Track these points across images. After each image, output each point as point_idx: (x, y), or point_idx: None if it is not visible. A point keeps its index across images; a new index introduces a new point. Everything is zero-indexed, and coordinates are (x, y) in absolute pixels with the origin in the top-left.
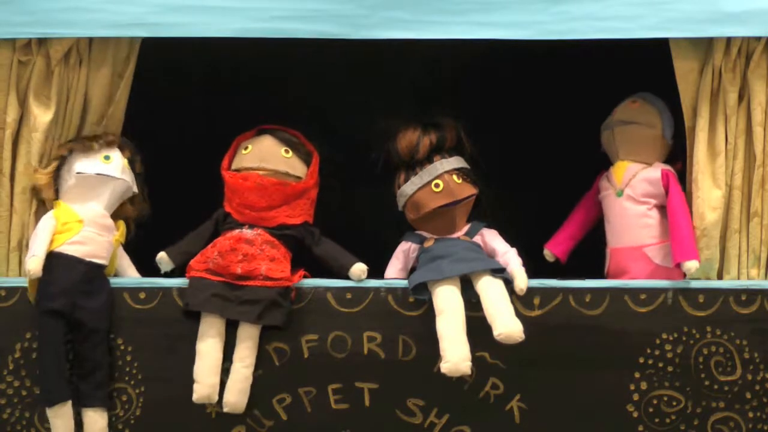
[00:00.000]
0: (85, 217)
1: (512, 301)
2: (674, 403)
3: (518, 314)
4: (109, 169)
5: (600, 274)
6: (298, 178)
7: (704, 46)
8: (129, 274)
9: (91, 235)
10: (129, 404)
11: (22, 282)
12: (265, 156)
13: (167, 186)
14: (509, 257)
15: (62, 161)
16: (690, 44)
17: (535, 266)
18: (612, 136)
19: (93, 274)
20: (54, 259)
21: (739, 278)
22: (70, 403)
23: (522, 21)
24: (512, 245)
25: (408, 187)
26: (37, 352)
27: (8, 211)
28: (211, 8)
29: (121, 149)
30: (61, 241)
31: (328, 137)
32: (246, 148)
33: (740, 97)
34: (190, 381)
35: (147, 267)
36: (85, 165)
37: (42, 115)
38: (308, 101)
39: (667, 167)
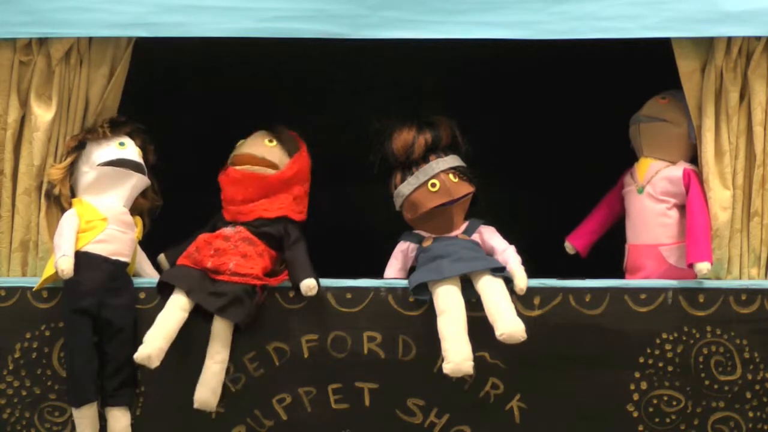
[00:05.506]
0: (109, 215)
1: (512, 301)
2: (674, 403)
3: (518, 314)
4: (126, 153)
5: (618, 271)
6: (276, 166)
7: (706, 46)
8: (148, 273)
9: (115, 233)
10: None
11: (23, 282)
12: (249, 144)
13: (167, 187)
14: (508, 255)
15: (78, 155)
16: (692, 44)
17: (535, 265)
18: (638, 131)
19: (118, 272)
20: (80, 259)
21: (740, 278)
22: (96, 403)
23: (522, 21)
24: (512, 244)
25: (405, 188)
26: (66, 353)
27: (10, 212)
28: (211, 8)
29: (132, 135)
30: (86, 240)
31: (327, 137)
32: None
33: (741, 97)
34: (190, 382)
35: None
36: (102, 154)
37: (43, 115)
38: (308, 101)
39: (691, 166)
